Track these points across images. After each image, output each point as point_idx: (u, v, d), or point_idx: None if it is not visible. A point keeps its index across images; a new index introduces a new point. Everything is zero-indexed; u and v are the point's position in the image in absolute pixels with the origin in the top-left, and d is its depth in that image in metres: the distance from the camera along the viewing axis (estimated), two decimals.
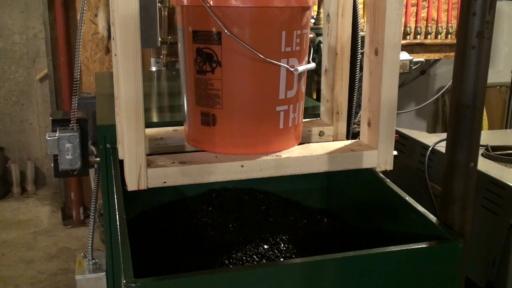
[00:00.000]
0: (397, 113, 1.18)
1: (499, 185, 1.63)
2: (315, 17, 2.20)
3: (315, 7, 2.25)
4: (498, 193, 1.63)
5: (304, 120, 1.28)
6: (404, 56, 2.29)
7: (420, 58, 2.72)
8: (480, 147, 1.39)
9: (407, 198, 1.27)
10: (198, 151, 1.17)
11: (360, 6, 1.76)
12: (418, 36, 2.93)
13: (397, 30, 1.12)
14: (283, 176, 1.15)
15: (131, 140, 1.04)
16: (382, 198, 1.38)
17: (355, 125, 1.56)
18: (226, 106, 1.12)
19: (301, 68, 1.14)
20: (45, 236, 3.56)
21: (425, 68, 3.55)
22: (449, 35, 2.97)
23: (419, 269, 1.09)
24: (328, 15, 1.35)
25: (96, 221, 1.87)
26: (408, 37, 2.91)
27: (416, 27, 2.92)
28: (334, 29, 1.34)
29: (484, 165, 1.79)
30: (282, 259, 1.37)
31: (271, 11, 1.09)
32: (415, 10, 2.91)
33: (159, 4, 2.39)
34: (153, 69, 2.66)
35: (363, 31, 1.32)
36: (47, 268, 3.16)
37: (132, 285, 0.90)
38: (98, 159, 1.54)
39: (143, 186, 1.06)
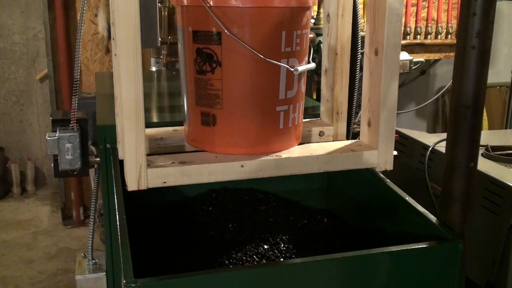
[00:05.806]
0: (397, 113, 1.18)
1: (499, 185, 1.63)
2: (315, 17, 2.20)
3: (315, 7, 2.25)
4: (498, 193, 1.63)
5: (304, 120, 1.28)
6: (404, 56, 2.29)
7: (420, 58, 2.72)
8: (480, 147, 1.39)
9: (407, 198, 1.27)
10: (198, 151, 1.17)
11: (360, 6, 1.76)
12: (418, 36, 2.93)
13: (397, 30, 1.12)
14: (283, 176, 1.15)
15: (131, 140, 1.04)
16: (382, 198, 1.38)
17: (355, 125, 1.55)
18: (226, 106, 1.12)
19: (301, 68, 1.14)
20: (45, 236, 3.56)
21: (425, 68, 3.55)
22: (449, 35, 2.97)
23: (419, 269, 1.09)
24: (328, 15, 1.35)
25: (96, 221, 1.87)
26: (408, 37, 2.91)
27: (416, 27, 2.92)
28: (334, 29, 1.34)
29: (484, 165, 1.79)
30: (282, 259, 1.37)
31: (271, 11, 1.09)
32: (415, 10, 2.91)
33: (159, 4, 2.39)
34: (153, 69, 2.66)
35: (363, 31, 1.32)
36: (47, 268, 3.16)
37: (132, 285, 0.90)
38: (98, 159, 1.54)
39: (143, 186, 1.05)
